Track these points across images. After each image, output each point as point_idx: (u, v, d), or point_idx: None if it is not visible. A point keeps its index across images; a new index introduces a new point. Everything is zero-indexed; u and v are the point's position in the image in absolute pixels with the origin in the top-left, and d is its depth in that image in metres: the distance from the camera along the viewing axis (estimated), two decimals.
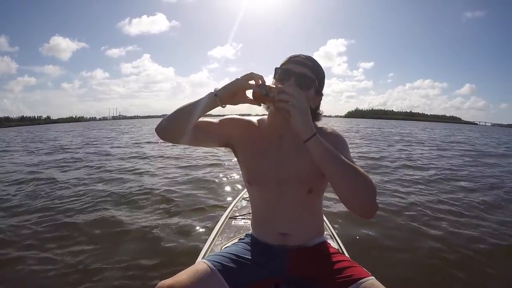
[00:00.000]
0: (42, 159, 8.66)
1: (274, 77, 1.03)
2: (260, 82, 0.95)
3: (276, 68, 1.03)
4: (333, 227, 1.90)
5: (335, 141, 1.02)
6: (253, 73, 0.95)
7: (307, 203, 1.10)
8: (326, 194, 1.18)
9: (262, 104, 0.99)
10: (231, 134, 1.11)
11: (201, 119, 1.02)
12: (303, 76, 0.99)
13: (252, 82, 0.96)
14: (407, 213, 3.52)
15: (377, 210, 0.88)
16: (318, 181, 1.06)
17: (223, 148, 1.18)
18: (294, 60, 1.01)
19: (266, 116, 1.12)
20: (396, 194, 4.36)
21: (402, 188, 4.72)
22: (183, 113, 0.99)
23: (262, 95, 0.91)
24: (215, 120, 1.09)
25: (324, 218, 1.94)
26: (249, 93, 0.97)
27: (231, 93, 0.97)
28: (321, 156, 0.87)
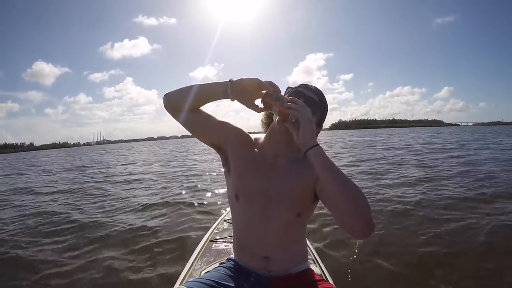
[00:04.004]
0: None
1: (285, 95, 1.04)
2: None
3: (288, 87, 1.06)
4: (316, 251, 1.85)
5: None
6: (272, 82, 0.95)
7: (294, 227, 1.07)
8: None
9: (267, 110, 0.97)
10: (227, 138, 1.08)
11: (205, 110, 1.03)
12: (312, 100, 1.01)
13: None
14: (389, 233, 3.42)
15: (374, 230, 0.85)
16: (308, 205, 1.04)
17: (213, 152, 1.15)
18: (306, 86, 1.06)
19: (262, 136, 1.12)
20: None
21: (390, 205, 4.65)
22: (190, 89, 0.98)
23: (273, 98, 0.92)
24: (217, 117, 1.07)
25: (307, 242, 1.91)
26: (258, 102, 0.97)
27: (245, 86, 0.94)
28: (322, 167, 0.85)
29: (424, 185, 5.57)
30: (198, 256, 1.73)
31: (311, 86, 1.06)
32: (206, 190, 6.08)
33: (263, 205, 1.02)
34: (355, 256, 2.76)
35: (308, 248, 1.80)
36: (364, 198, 0.83)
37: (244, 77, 0.94)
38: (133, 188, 6.96)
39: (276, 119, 1.00)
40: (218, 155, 1.13)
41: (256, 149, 1.09)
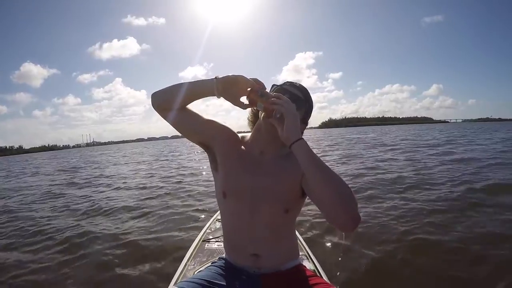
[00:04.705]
0: None
1: (270, 92, 1.04)
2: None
3: (273, 85, 1.08)
4: (308, 247, 1.86)
5: None
6: (257, 79, 0.95)
7: (282, 224, 1.07)
8: (300, 212, 1.16)
9: (253, 106, 0.99)
10: (215, 136, 1.08)
11: (192, 109, 1.04)
12: (297, 96, 1.03)
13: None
14: (385, 228, 3.45)
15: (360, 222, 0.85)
16: (295, 201, 1.05)
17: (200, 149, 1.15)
18: (290, 83, 1.07)
19: (249, 134, 1.13)
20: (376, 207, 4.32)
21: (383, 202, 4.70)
22: (178, 88, 0.99)
23: (258, 94, 0.93)
24: (205, 115, 1.08)
25: (300, 237, 1.92)
26: (244, 99, 0.98)
27: (231, 83, 0.94)
28: (307, 160, 0.85)
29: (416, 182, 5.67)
30: (191, 257, 1.73)
31: (296, 83, 1.08)
32: (199, 190, 6.06)
33: (250, 202, 1.03)
34: (349, 251, 2.79)
35: (300, 244, 1.82)
36: (348, 190, 0.83)
37: (230, 74, 0.94)
38: (124, 189, 6.91)
39: (262, 116, 1.01)
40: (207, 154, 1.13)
41: (242, 147, 1.10)
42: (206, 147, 1.11)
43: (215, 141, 1.08)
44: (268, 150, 1.06)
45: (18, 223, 4.49)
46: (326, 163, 0.86)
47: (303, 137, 0.90)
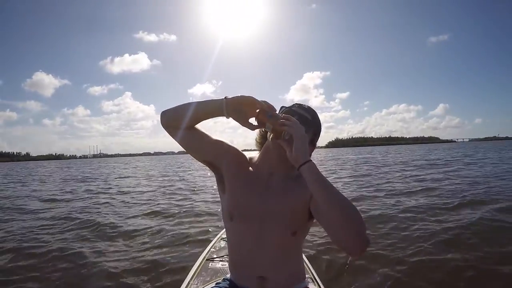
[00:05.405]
0: None
1: (279, 113, 1.04)
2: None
3: (282, 106, 1.08)
4: (314, 269, 1.81)
5: None
6: (267, 101, 0.95)
7: (290, 246, 1.05)
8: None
9: (262, 127, 0.97)
10: (222, 156, 1.07)
11: (200, 128, 1.04)
12: (305, 118, 1.03)
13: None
14: (394, 249, 3.33)
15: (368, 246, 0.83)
16: (303, 224, 1.03)
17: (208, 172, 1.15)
18: (299, 105, 1.08)
19: (257, 155, 1.13)
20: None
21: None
22: (187, 107, 0.99)
23: (267, 115, 0.93)
24: (213, 135, 1.08)
25: (305, 259, 1.88)
26: (253, 121, 0.97)
27: (240, 104, 0.94)
28: (315, 182, 0.84)
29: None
30: (195, 276, 1.69)
31: (305, 105, 1.08)
32: (204, 207, 6.02)
33: (258, 225, 1.01)
34: (356, 273, 2.72)
35: (306, 266, 1.78)
36: (357, 213, 0.82)
37: (239, 95, 0.94)
38: (129, 203, 6.90)
39: (270, 137, 1.01)
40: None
41: (250, 168, 1.09)
42: (213, 167, 1.10)
43: (223, 161, 1.08)
44: (277, 171, 1.06)
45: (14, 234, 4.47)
46: (334, 184, 0.84)
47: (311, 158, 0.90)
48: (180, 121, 1.00)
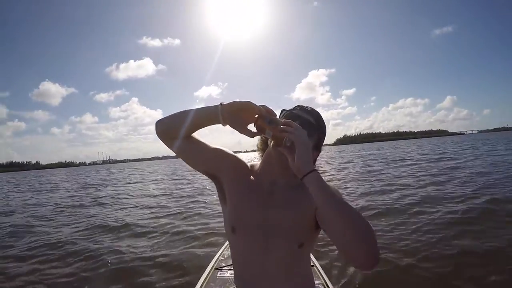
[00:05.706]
0: None
1: (280, 118, 0.99)
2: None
3: (283, 110, 1.02)
4: (326, 275, 1.76)
5: None
6: (266, 105, 0.89)
7: (297, 258, 0.98)
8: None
9: (261, 134, 0.91)
10: (221, 166, 1.02)
11: (198, 137, 0.99)
12: (308, 121, 0.97)
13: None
14: (408, 253, 3.25)
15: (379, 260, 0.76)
16: (310, 235, 0.97)
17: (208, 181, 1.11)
18: (301, 108, 1.01)
19: (258, 163, 1.07)
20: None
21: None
22: (182, 115, 0.94)
23: (266, 121, 0.86)
24: (211, 144, 1.02)
25: (316, 263, 1.84)
26: (251, 127, 0.92)
27: (237, 109, 0.88)
28: (320, 194, 0.79)
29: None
30: (203, 286, 1.67)
31: (307, 107, 1.02)
32: (213, 213, 5.96)
33: (262, 238, 0.95)
34: (367, 279, 2.66)
35: (317, 270, 1.75)
36: (367, 226, 0.76)
37: (236, 100, 0.88)
38: (136, 207, 6.95)
39: (271, 144, 0.94)
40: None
41: (252, 177, 1.03)
42: (213, 177, 1.04)
43: (222, 172, 1.02)
44: (279, 180, 1.00)
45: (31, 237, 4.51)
46: (343, 185, 0.79)
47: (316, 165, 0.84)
48: (176, 130, 0.95)
